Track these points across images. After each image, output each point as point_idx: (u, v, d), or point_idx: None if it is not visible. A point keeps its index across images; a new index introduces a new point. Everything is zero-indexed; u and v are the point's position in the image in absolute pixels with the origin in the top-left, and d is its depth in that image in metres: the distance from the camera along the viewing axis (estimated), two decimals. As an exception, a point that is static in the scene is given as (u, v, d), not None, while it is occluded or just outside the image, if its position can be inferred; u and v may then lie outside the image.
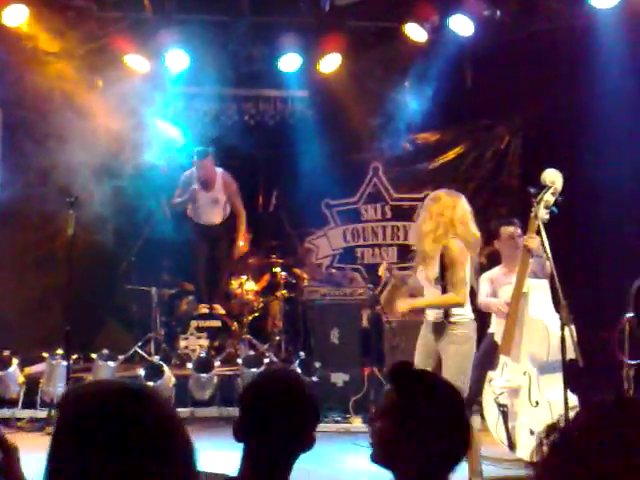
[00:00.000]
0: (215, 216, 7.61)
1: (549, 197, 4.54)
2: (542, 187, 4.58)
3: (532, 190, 4.58)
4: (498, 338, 4.80)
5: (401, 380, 1.80)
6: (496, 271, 5.24)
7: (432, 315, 4.47)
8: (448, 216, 4.42)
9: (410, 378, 1.82)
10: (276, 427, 1.81)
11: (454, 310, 4.39)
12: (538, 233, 4.51)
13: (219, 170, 7.58)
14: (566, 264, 4.54)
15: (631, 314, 5.62)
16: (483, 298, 5.08)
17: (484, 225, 4.85)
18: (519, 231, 4.99)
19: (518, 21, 6.01)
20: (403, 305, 4.59)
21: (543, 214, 4.50)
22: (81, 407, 1.09)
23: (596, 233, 6.05)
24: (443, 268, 4.36)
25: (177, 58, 7.23)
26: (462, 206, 4.49)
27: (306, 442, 1.87)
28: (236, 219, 7.63)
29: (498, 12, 6.06)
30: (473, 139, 7.45)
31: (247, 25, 7.21)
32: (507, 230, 5.10)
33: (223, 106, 8.08)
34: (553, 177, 4.59)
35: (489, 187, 7.39)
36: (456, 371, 4.26)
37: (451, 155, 7.59)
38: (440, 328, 4.41)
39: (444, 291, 4.41)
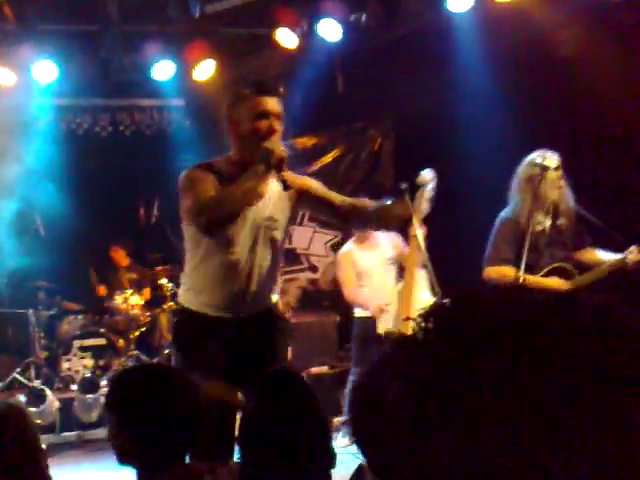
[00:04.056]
0: None
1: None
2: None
3: (403, 186, 4.74)
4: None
5: None
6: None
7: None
8: None
9: None
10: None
11: None
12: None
13: None
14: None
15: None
16: None
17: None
18: None
19: (382, 25, 6.19)
20: None
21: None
22: None
23: (465, 227, 6.28)
24: None
25: (45, 69, 6.94)
26: None
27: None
28: None
29: (363, 17, 6.22)
30: (348, 142, 7.60)
31: (116, 34, 7.03)
32: None
33: (96, 117, 7.86)
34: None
35: (365, 187, 7.53)
36: None
37: (329, 158, 7.72)
38: None
39: None
